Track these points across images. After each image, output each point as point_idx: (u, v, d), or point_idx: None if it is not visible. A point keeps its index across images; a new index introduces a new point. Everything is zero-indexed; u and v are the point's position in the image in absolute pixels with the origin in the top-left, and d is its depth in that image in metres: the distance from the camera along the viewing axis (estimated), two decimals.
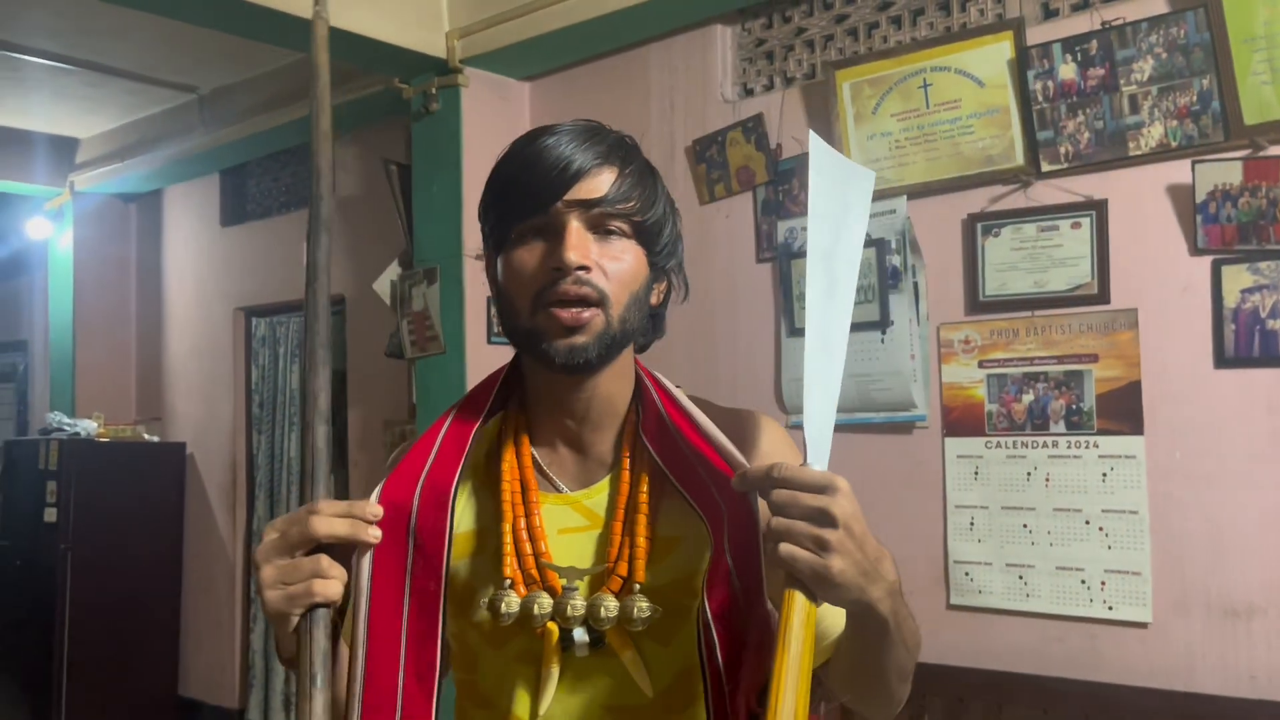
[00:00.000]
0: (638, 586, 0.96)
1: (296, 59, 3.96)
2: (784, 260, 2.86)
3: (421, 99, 3.46)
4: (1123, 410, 2.36)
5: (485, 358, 3.39)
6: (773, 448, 1.04)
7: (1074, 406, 2.43)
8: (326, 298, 0.97)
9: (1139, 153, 2.33)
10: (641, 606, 0.95)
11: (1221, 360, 2.25)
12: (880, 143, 2.69)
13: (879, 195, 2.70)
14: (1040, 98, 2.44)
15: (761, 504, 0.89)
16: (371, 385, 4.15)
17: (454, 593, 1.00)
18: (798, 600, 0.82)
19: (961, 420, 2.58)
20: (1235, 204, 2.20)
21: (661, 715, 0.98)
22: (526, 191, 0.97)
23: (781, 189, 2.91)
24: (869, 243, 2.68)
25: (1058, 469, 2.44)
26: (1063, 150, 2.42)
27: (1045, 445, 2.46)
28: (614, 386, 1.03)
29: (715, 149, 3.05)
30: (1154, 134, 2.31)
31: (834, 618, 0.96)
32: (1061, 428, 2.44)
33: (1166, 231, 2.32)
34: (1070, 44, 2.39)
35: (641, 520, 0.98)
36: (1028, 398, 2.49)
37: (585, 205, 0.96)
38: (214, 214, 4.98)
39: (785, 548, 0.81)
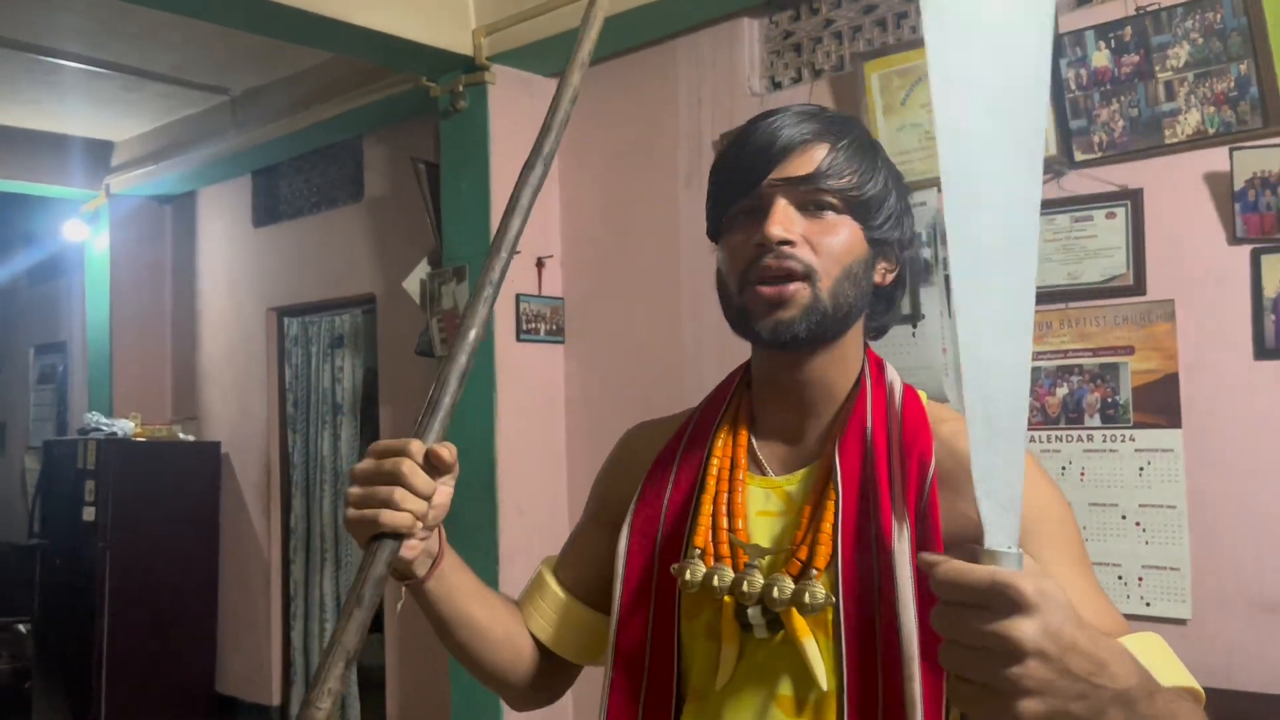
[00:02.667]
0: (815, 572, 0.94)
1: (326, 59, 3.99)
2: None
3: (449, 97, 3.47)
4: (1160, 403, 2.32)
5: (514, 356, 3.40)
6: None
7: (1110, 400, 2.39)
8: (519, 230, 0.97)
9: (1175, 140, 2.28)
10: (815, 592, 0.93)
11: (1262, 351, 2.20)
12: (910, 134, 2.66)
13: (909, 188, 2.67)
14: (1073, 86, 2.40)
15: None
16: (402, 383, 4.16)
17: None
18: None
19: None
20: (1275, 191, 2.15)
21: (839, 713, 0.94)
22: (736, 174, 0.98)
23: None
24: None
25: (1093, 463, 2.40)
26: (1096, 139, 2.38)
27: (1080, 439, 2.42)
28: (832, 371, 1.01)
29: None
30: (1190, 121, 2.26)
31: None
32: (1097, 421, 2.40)
33: (1204, 221, 2.27)
34: (1103, 30, 2.35)
35: (830, 509, 0.96)
36: (1062, 391, 2.45)
37: (792, 182, 0.96)
38: (247, 215, 5.03)
39: (958, 689, 0.63)
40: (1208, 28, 2.22)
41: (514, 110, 3.46)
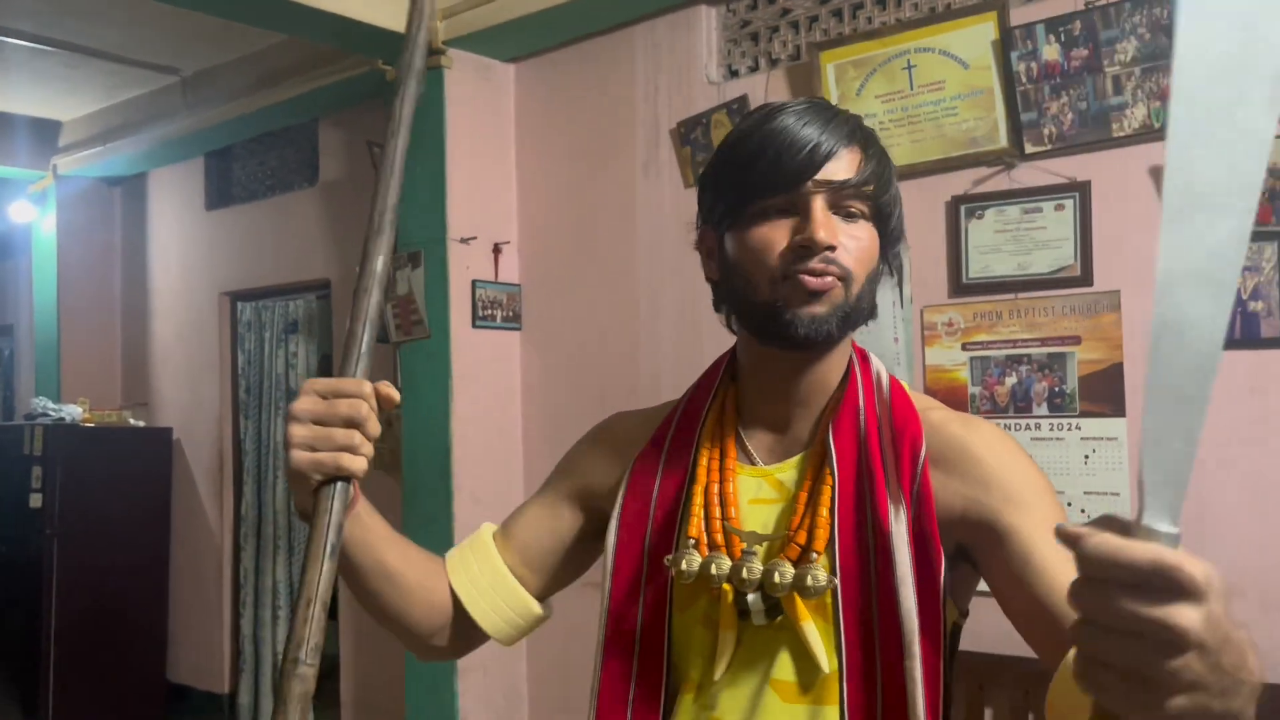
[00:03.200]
0: (815, 556, 0.96)
1: (279, 41, 3.94)
2: None
3: None
4: (1105, 392, 2.37)
5: (470, 342, 3.38)
6: (979, 457, 0.98)
7: (1057, 389, 2.43)
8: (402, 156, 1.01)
9: (1122, 134, 2.32)
10: (818, 575, 0.95)
11: None
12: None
13: None
14: (1024, 79, 2.43)
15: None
16: None
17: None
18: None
19: (945, 403, 2.57)
20: None
21: (844, 698, 0.95)
22: (774, 169, 0.96)
23: None
24: None
25: (1041, 451, 2.44)
26: (1046, 132, 2.41)
27: (1029, 428, 2.46)
28: (830, 367, 1.04)
29: (700, 131, 3.03)
30: (1137, 115, 2.30)
31: None
32: (1044, 410, 2.44)
33: (1149, 213, 2.31)
34: (1054, 24, 2.38)
35: (826, 493, 0.98)
36: (1011, 380, 2.49)
37: (834, 186, 0.96)
38: (199, 197, 4.95)
39: (1094, 674, 0.55)
40: (1154, 23, 2.26)
41: (470, 95, 3.44)
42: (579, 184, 3.36)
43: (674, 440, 1.09)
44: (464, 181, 3.41)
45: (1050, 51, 2.39)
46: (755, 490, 1.04)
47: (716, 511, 1.02)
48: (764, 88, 2.91)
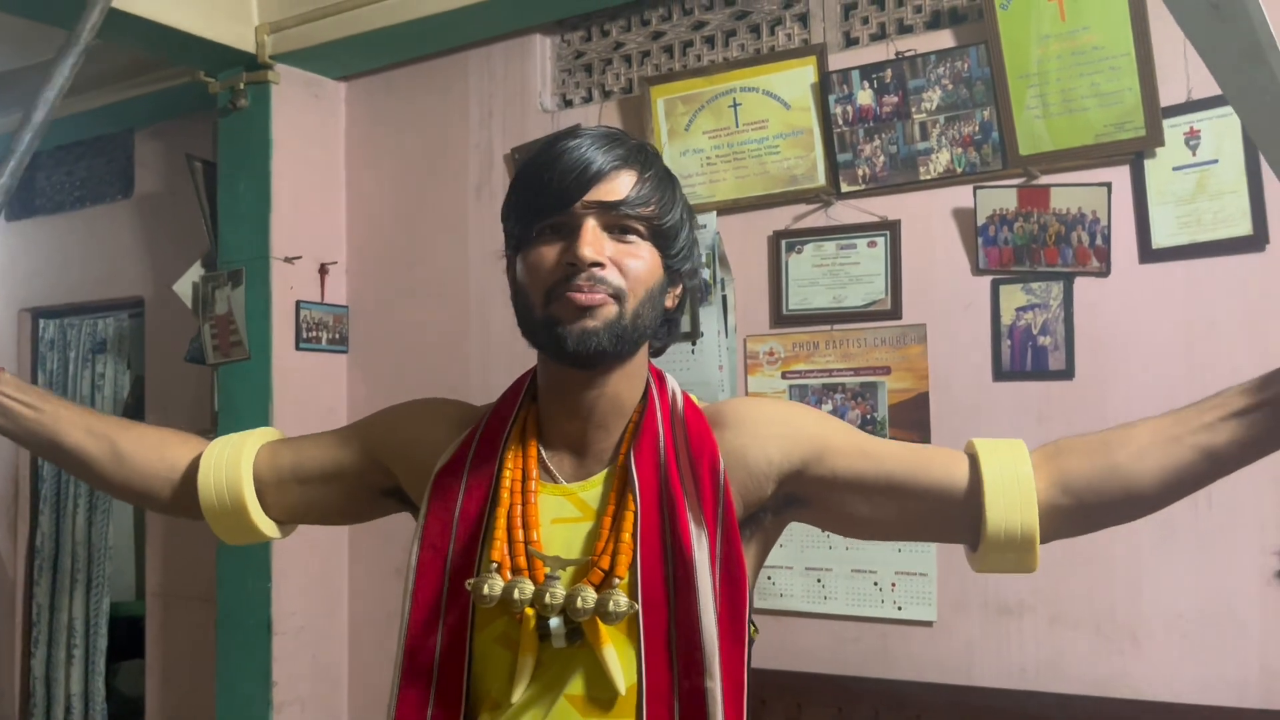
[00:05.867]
0: (617, 581, 0.99)
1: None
2: None
3: (229, 94, 3.32)
4: (913, 420, 2.50)
5: (293, 364, 3.28)
6: (769, 420, 1.08)
7: (869, 416, 2.55)
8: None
9: (928, 177, 2.47)
10: (619, 601, 0.97)
11: (999, 373, 2.41)
12: (692, 159, 2.76)
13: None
14: (840, 121, 2.55)
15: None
16: (171, 393, 3.94)
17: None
18: None
19: None
20: (1011, 228, 2.37)
21: (634, 712, 0.99)
22: (547, 192, 1.00)
23: None
24: None
25: None
26: (860, 172, 2.55)
27: None
28: (623, 386, 1.06)
29: None
30: (941, 160, 2.46)
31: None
32: None
33: (952, 252, 2.47)
34: (868, 71, 2.52)
35: (629, 518, 1.01)
36: (827, 408, 2.59)
37: (604, 206, 1.00)
38: None
39: None
40: (956, 75, 2.42)
41: (298, 112, 3.35)
42: (410, 205, 3.32)
43: (475, 458, 1.09)
44: (290, 199, 3.32)
45: (864, 96, 2.53)
46: (558, 509, 1.06)
47: (519, 534, 1.03)
48: (597, 118, 2.96)
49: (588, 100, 3.06)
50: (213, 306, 3.34)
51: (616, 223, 1.01)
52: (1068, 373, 2.33)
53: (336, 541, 3.36)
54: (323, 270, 3.37)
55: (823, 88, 2.57)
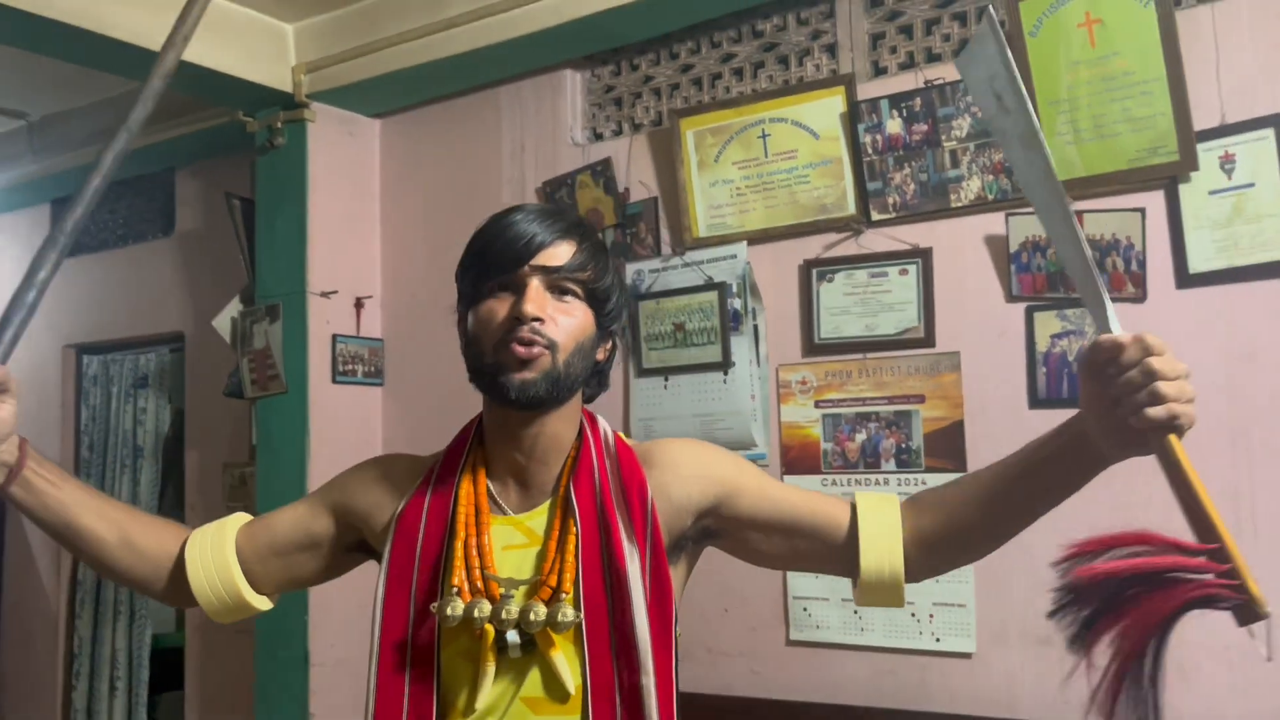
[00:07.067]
0: (564, 595, 1.15)
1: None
2: (632, 302, 2.90)
3: (266, 133, 3.39)
4: (948, 448, 2.48)
5: (329, 398, 3.32)
6: (690, 460, 1.26)
7: (903, 445, 2.53)
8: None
9: (959, 204, 2.47)
10: (566, 612, 1.14)
11: (1035, 401, 2.38)
12: (722, 190, 2.78)
13: (720, 241, 2.78)
14: (870, 150, 2.56)
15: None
16: (211, 426, 3.99)
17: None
18: (1177, 441, 0.99)
19: (799, 458, 2.66)
20: (1044, 254, 2.35)
21: (589, 712, 1.15)
22: (499, 257, 1.17)
23: (629, 232, 2.96)
24: (710, 286, 2.75)
25: None
26: (891, 200, 2.54)
27: (877, 482, 2.56)
28: (560, 426, 1.22)
29: (565, 191, 3.08)
30: (972, 187, 2.45)
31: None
32: (892, 465, 2.54)
33: (985, 279, 2.45)
34: (897, 100, 2.53)
35: (571, 541, 1.17)
36: (860, 437, 2.58)
37: (547, 270, 1.17)
38: None
39: (1173, 409, 0.97)
40: None
41: (333, 149, 3.41)
42: (444, 239, 3.36)
43: (434, 497, 1.24)
44: (326, 235, 3.37)
45: (894, 125, 2.53)
46: (508, 538, 1.21)
47: (476, 561, 1.18)
48: (627, 151, 2.98)
49: (618, 133, 3.09)
50: (251, 341, 3.39)
51: (557, 284, 1.18)
52: None
53: (373, 574, 3.37)
54: (358, 304, 3.41)
55: (852, 117, 2.58)
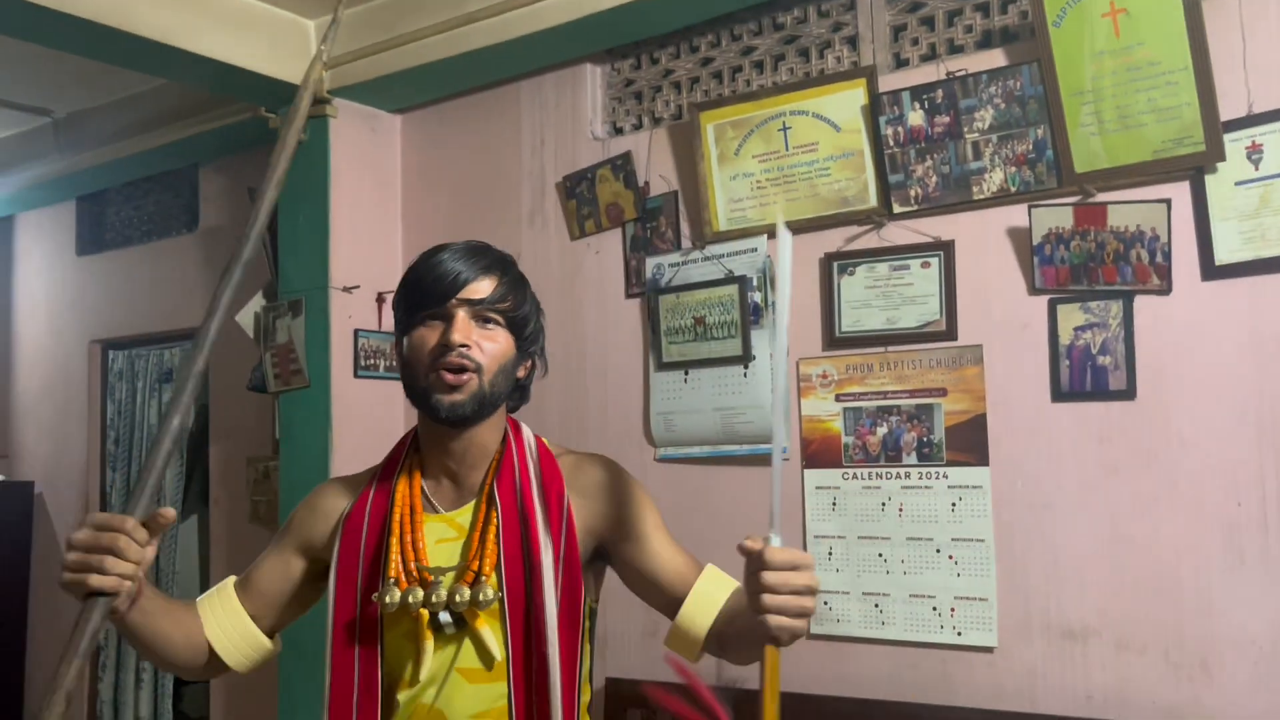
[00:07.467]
0: (485, 578, 1.33)
1: (159, 84, 3.86)
2: (652, 296, 2.90)
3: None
4: (970, 442, 2.46)
5: (351, 391, 3.33)
6: (605, 484, 1.44)
7: (925, 439, 2.52)
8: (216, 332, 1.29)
9: (982, 197, 2.45)
10: (487, 592, 1.33)
11: (1058, 394, 2.37)
12: (742, 183, 2.77)
13: (740, 234, 2.77)
14: (891, 142, 2.54)
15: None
16: (234, 421, 4.02)
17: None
18: (773, 654, 1.11)
19: (820, 452, 2.65)
20: (1068, 246, 2.33)
21: (510, 677, 1.34)
22: (429, 292, 1.35)
23: (649, 226, 2.96)
24: (730, 279, 2.75)
25: (910, 499, 2.53)
26: (912, 193, 2.53)
27: (899, 476, 2.55)
28: (486, 435, 1.40)
29: (585, 185, 3.08)
30: (995, 179, 2.43)
31: (703, 617, 1.37)
32: (913, 459, 2.53)
33: (1007, 272, 2.44)
34: (918, 92, 2.51)
35: (493, 530, 1.36)
36: (882, 430, 2.57)
37: (471, 303, 1.34)
38: (70, 242, 4.78)
39: (776, 620, 1.09)
40: (1009, 94, 2.40)
41: (356, 144, 3.43)
42: (465, 233, 3.32)
43: (374, 503, 1.42)
44: (348, 230, 3.38)
45: (915, 117, 2.52)
46: (441, 532, 1.39)
47: (410, 555, 1.36)
48: (647, 145, 2.98)
49: (638, 127, 3.09)
50: (274, 336, 3.41)
51: (481, 314, 1.35)
52: (1129, 393, 2.28)
53: None
54: (380, 299, 3.43)
55: (873, 109, 2.56)
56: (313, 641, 3.34)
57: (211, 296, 1.31)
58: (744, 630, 1.26)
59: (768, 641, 1.10)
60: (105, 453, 4.62)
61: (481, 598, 1.32)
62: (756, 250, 2.72)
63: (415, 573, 1.34)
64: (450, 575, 1.35)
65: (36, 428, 4.88)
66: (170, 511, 1.18)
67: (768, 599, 1.09)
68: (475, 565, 1.34)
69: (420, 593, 1.33)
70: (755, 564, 1.11)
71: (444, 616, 1.33)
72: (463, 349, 1.31)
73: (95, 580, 1.12)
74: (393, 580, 1.34)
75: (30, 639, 4.77)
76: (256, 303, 3.58)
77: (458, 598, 1.32)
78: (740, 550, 1.13)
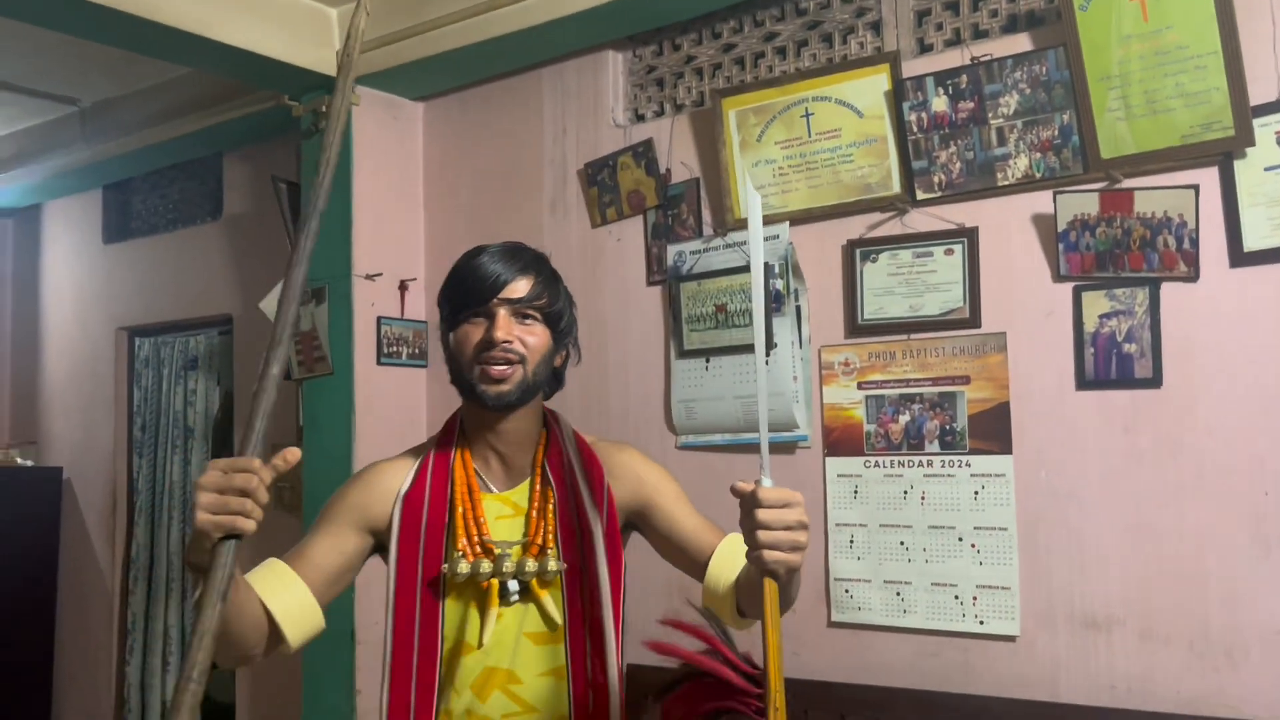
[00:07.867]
0: (549, 550, 1.49)
1: (184, 73, 3.88)
2: (673, 283, 2.90)
3: (311, 117, 3.42)
4: (993, 430, 2.45)
5: (374, 379, 3.35)
6: (633, 466, 1.59)
7: (948, 427, 2.51)
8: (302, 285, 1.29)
9: (1006, 183, 2.43)
10: (551, 565, 1.48)
11: (1082, 382, 2.35)
12: (764, 170, 2.76)
13: (762, 221, 2.75)
14: (915, 128, 2.53)
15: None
16: None
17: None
18: (771, 586, 1.20)
19: (842, 440, 2.64)
20: (1093, 233, 2.31)
21: (568, 639, 1.49)
22: (472, 292, 1.47)
23: (671, 213, 2.95)
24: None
25: (933, 487, 2.52)
26: (936, 179, 2.51)
27: (921, 464, 2.54)
28: (529, 419, 1.53)
29: (607, 173, 3.08)
30: (1020, 165, 2.41)
31: (727, 574, 1.49)
32: (936, 447, 2.52)
33: (1032, 258, 2.42)
34: (942, 78, 2.49)
35: (550, 508, 1.51)
36: (904, 418, 2.56)
37: (511, 302, 1.47)
38: (96, 230, 4.83)
39: (771, 555, 1.19)
40: (1034, 79, 2.38)
41: (378, 132, 3.44)
42: (487, 221, 3.37)
43: (434, 479, 1.51)
44: (370, 218, 3.40)
45: (939, 103, 2.50)
46: (498, 510, 1.52)
47: (474, 530, 1.49)
48: (669, 132, 2.97)
49: (660, 114, 3.08)
50: (297, 323, 3.43)
51: (520, 311, 1.47)
52: (1155, 381, 2.26)
53: None
54: (402, 287, 3.44)
55: (897, 95, 2.55)
56: (336, 622, 3.35)
57: (291, 249, 1.30)
58: (754, 575, 1.31)
59: (765, 575, 1.20)
60: (131, 439, 4.67)
61: (549, 569, 1.47)
62: (779, 237, 2.71)
63: (480, 546, 1.47)
64: (517, 548, 1.48)
65: (64, 414, 4.93)
66: (295, 451, 1.20)
67: (762, 535, 1.19)
68: (539, 539, 1.48)
69: (488, 564, 1.46)
70: (749, 503, 1.20)
71: (513, 585, 1.47)
72: (506, 345, 1.44)
73: (230, 521, 1.12)
74: (459, 553, 1.47)
75: (59, 621, 4.83)
76: (280, 290, 3.60)
77: (527, 568, 1.46)
78: (733, 492, 1.23)
